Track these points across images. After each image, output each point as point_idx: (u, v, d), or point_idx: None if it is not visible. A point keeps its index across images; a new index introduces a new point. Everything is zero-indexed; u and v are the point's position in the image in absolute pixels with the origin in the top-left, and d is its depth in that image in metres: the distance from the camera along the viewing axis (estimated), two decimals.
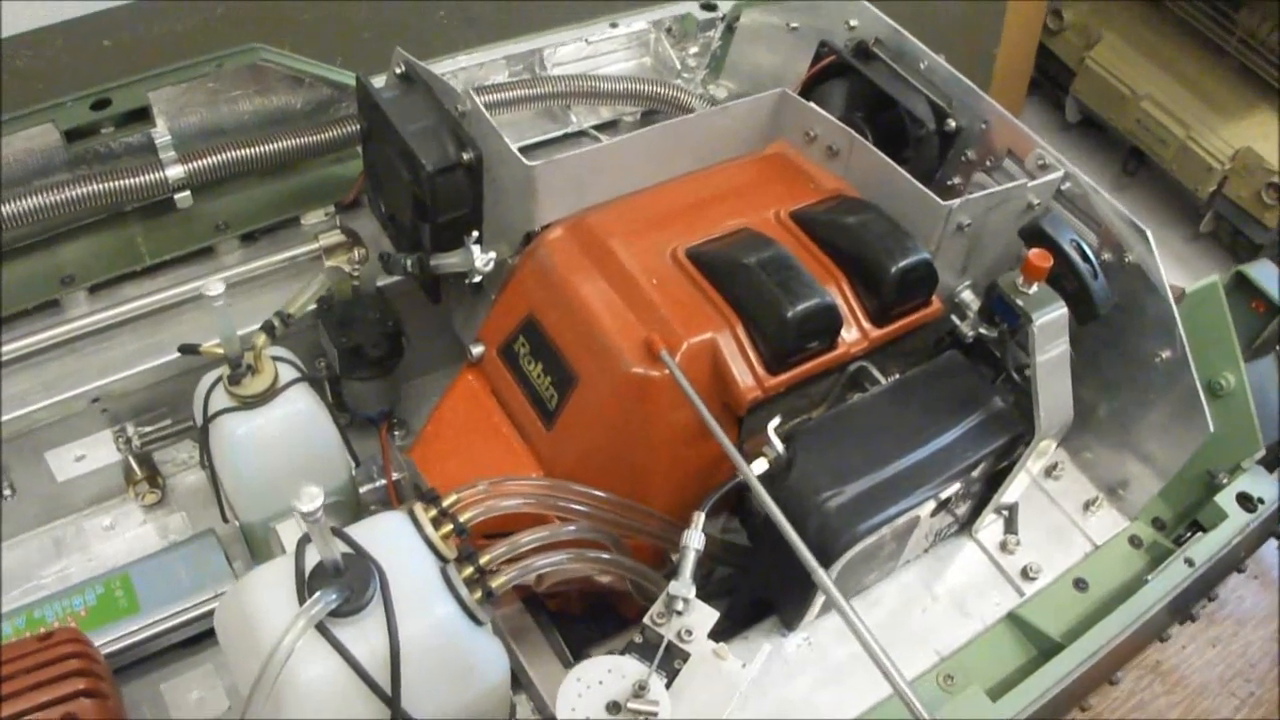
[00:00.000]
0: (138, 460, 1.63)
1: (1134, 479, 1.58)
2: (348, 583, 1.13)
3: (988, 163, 1.62)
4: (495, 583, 1.19)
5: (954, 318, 1.49)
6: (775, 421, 1.32)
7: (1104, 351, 1.54)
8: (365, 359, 1.58)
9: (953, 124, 1.62)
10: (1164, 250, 3.35)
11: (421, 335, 1.70)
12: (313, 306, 1.54)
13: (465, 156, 1.43)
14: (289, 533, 1.41)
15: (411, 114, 1.48)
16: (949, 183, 1.66)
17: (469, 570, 1.19)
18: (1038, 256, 1.34)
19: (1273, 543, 3.19)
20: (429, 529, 1.21)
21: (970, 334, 1.47)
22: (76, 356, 1.59)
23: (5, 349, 1.54)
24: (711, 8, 1.92)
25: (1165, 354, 1.48)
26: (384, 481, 1.56)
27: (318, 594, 1.11)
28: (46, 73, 2.04)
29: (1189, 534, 1.57)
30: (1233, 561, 1.59)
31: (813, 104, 1.53)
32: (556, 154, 1.75)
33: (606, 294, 1.35)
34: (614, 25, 1.86)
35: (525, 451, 1.42)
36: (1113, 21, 3.30)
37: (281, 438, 1.47)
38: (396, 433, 1.72)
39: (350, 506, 1.60)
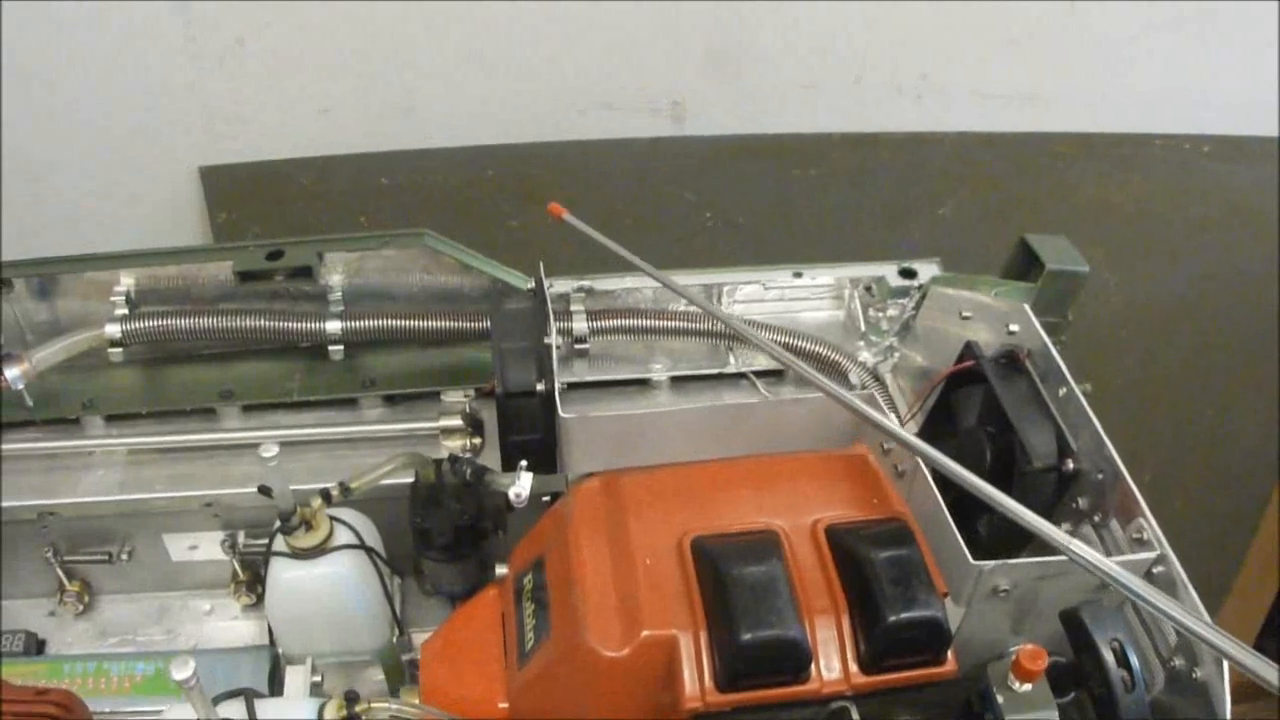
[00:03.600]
0: (241, 565, 1.78)
1: None
2: None
3: (1096, 518, 1.49)
4: None
5: None
6: None
7: None
8: (432, 543, 1.66)
9: (1070, 465, 1.51)
10: None
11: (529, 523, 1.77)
12: (391, 481, 1.64)
13: (539, 386, 1.49)
14: (293, 677, 1.58)
15: (516, 330, 1.57)
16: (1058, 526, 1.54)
17: None
18: (1028, 657, 1.23)
19: None
20: None
21: None
22: (209, 463, 1.76)
23: (153, 440, 1.76)
24: (910, 274, 1.87)
25: None
26: None
27: None
28: (325, 194, 2.29)
29: None
30: None
31: (893, 416, 1.47)
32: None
33: (602, 561, 1.36)
34: (798, 275, 1.86)
35: (501, 679, 1.45)
36: None
37: (322, 593, 1.57)
38: None
39: (392, 669, 1.70)
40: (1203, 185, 2.64)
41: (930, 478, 1.41)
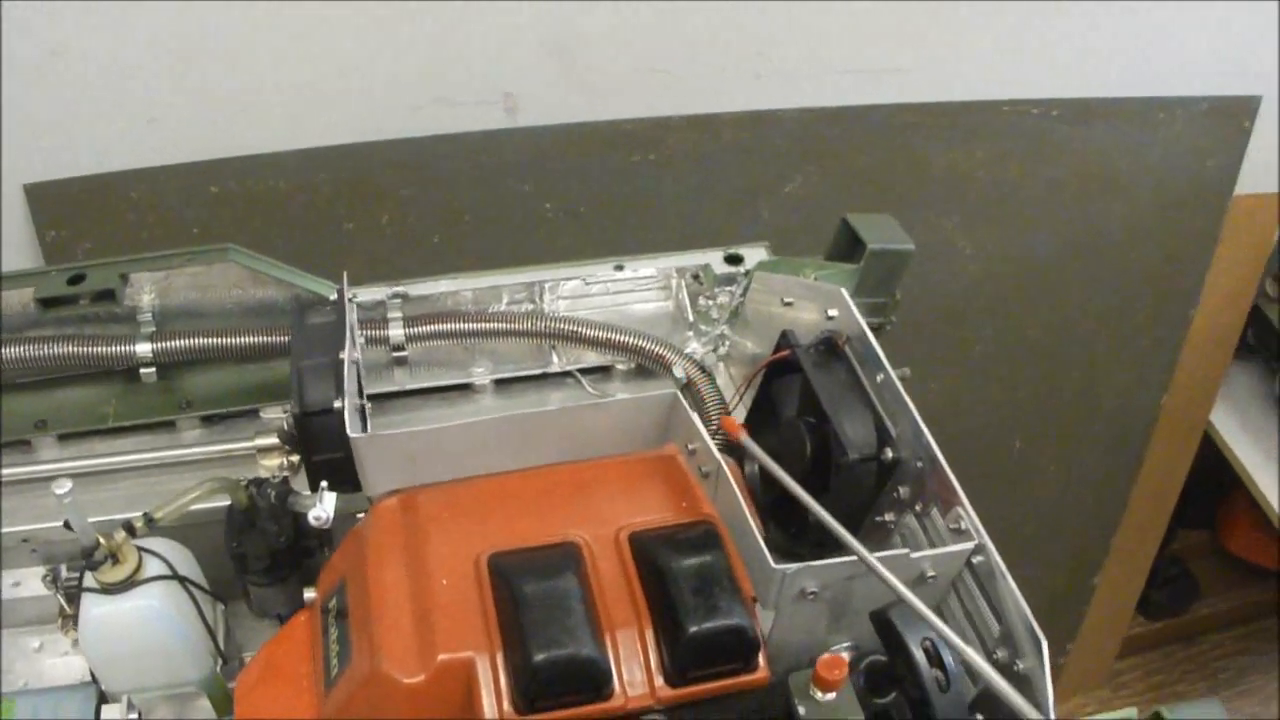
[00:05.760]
0: (66, 600, 1.73)
1: None
2: None
3: (917, 507, 1.48)
4: None
5: None
6: None
7: None
8: (250, 568, 1.62)
9: (890, 454, 1.49)
10: None
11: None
12: (208, 505, 1.60)
13: (338, 403, 1.45)
14: (109, 714, 1.58)
15: (318, 345, 1.52)
16: (879, 519, 1.52)
17: None
18: (826, 666, 1.21)
19: None
20: None
21: None
22: (24, 496, 1.71)
23: None
24: (736, 260, 1.85)
25: None
26: None
27: None
28: (157, 206, 2.23)
29: None
30: None
31: (695, 416, 1.45)
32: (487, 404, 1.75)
33: (399, 583, 1.32)
34: (619, 268, 1.83)
35: (314, 710, 1.41)
36: None
37: (133, 627, 1.52)
38: None
39: (219, 699, 1.65)
40: (1054, 149, 2.64)
41: (733, 479, 1.39)
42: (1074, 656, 3.45)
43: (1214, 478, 3.46)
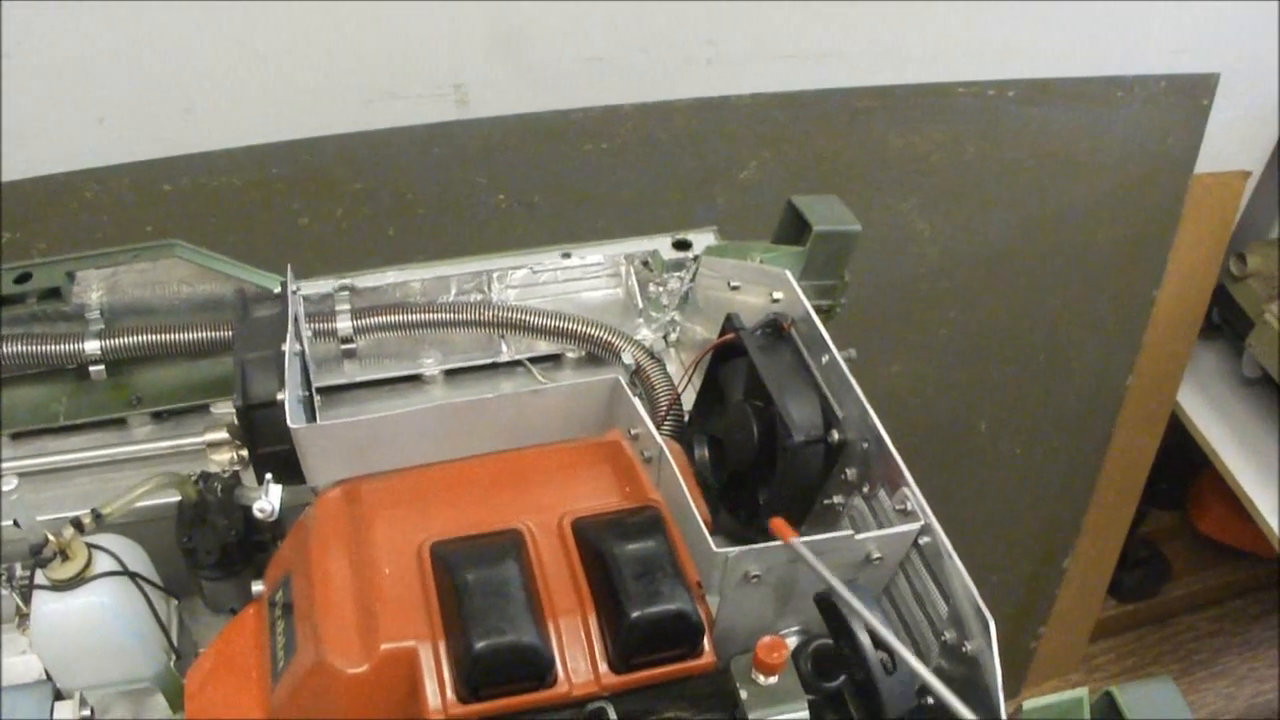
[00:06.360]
0: (21, 599, 1.72)
1: None
2: None
3: (865, 489, 1.48)
4: None
5: None
6: None
7: None
8: (201, 563, 1.62)
9: (836, 436, 1.49)
10: None
11: None
12: (160, 500, 1.59)
13: (280, 396, 1.45)
14: (62, 712, 1.56)
15: (262, 338, 1.52)
16: (827, 501, 1.53)
17: None
18: (766, 649, 1.21)
19: None
20: None
21: None
22: None
23: None
24: (685, 245, 1.85)
25: None
26: None
27: None
28: (110, 206, 2.22)
29: None
30: None
31: (637, 400, 1.45)
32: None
33: (342, 574, 1.32)
34: (566, 255, 1.83)
35: (264, 704, 1.41)
36: None
37: (85, 624, 1.52)
38: None
39: (174, 695, 1.65)
40: (1011, 130, 2.64)
41: (675, 463, 1.39)
42: (1046, 640, 3.46)
43: (1184, 458, 3.47)
